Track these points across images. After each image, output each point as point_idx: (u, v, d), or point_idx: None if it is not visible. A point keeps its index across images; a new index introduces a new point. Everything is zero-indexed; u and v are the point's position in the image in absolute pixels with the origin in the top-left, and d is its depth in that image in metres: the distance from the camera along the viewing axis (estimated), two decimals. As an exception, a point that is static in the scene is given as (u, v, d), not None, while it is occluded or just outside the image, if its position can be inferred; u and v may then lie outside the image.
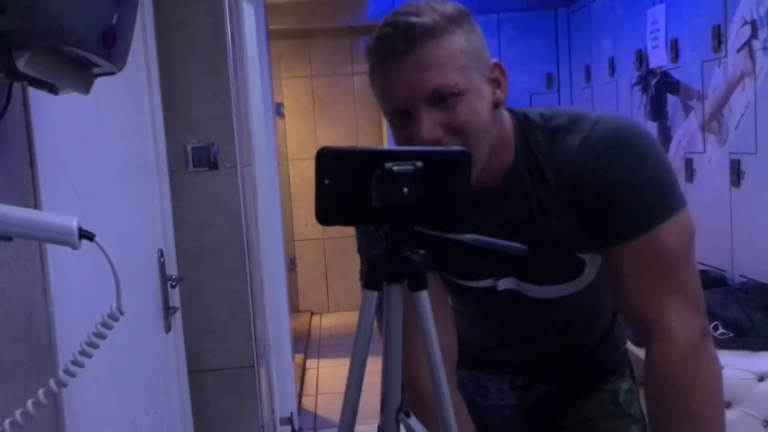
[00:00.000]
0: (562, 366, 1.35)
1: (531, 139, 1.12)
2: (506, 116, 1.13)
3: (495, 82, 1.08)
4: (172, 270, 2.05)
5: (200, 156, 2.27)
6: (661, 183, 1.06)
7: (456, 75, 1.01)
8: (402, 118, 1.05)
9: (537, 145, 1.12)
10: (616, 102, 4.36)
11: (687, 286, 1.06)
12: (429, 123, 1.01)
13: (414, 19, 1.01)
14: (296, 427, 3.45)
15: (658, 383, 1.06)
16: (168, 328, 1.98)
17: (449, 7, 1.04)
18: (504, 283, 1.22)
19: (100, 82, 1.03)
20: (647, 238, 1.06)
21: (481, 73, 1.05)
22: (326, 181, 0.88)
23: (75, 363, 0.86)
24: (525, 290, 1.22)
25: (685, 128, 3.51)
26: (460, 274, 1.25)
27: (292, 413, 3.39)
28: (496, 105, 1.08)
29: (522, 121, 1.13)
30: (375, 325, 0.94)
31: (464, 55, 1.03)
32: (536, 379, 1.37)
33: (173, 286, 2.00)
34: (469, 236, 0.99)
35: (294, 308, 5.67)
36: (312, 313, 5.96)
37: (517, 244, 0.98)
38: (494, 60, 1.09)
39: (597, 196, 1.08)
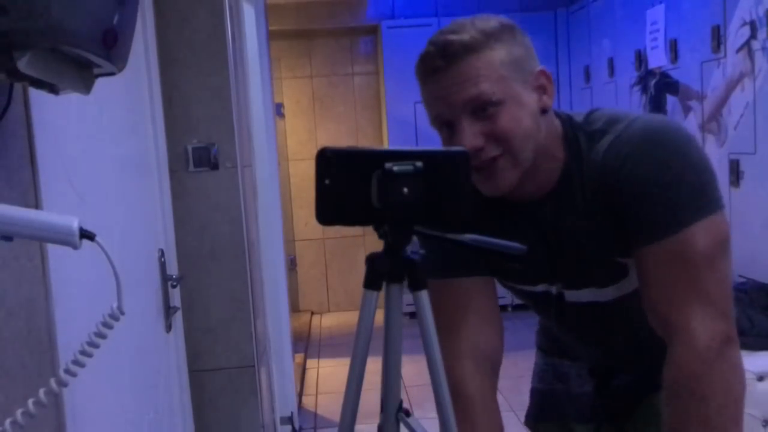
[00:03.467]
0: (638, 362, 1.34)
1: (577, 144, 1.14)
2: (556, 122, 1.15)
3: (541, 89, 1.11)
4: (173, 270, 2.05)
5: (201, 156, 2.27)
6: (689, 185, 1.05)
7: (494, 85, 1.05)
8: (448, 131, 1.10)
9: (581, 150, 1.13)
10: (616, 102, 4.36)
11: (712, 291, 1.04)
12: (470, 132, 1.06)
13: (452, 37, 1.06)
14: (296, 427, 3.45)
15: (675, 386, 1.05)
16: (168, 327, 1.98)
17: (492, 23, 1.09)
18: (557, 288, 1.24)
19: (100, 83, 1.03)
20: (672, 241, 1.04)
21: (523, 82, 1.09)
22: (326, 181, 0.88)
23: (76, 362, 0.86)
24: (575, 296, 1.22)
25: (685, 128, 3.51)
26: (517, 279, 1.27)
27: (292, 413, 3.39)
28: (543, 111, 1.11)
29: (568, 126, 1.15)
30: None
31: (504, 66, 1.07)
32: (613, 371, 1.38)
33: (174, 286, 2.00)
34: (468, 236, 0.99)
35: (294, 308, 5.67)
36: (312, 313, 5.96)
37: (516, 244, 0.98)
38: (541, 67, 1.12)
39: (624, 197, 1.08)
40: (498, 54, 1.06)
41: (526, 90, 1.09)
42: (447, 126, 1.09)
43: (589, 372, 1.40)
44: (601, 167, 1.09)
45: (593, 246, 1.14)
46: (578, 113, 1.17)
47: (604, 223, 1.12)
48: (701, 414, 1.02)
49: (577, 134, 1.14)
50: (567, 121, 1.16)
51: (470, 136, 1.05)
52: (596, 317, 1.25)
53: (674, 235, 1.04)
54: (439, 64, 1.06)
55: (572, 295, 1.23)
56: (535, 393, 1.51)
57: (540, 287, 1.25)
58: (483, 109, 1.06)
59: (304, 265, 6.00)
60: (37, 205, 1.10)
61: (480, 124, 1.06)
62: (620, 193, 1.08)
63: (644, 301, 1.11)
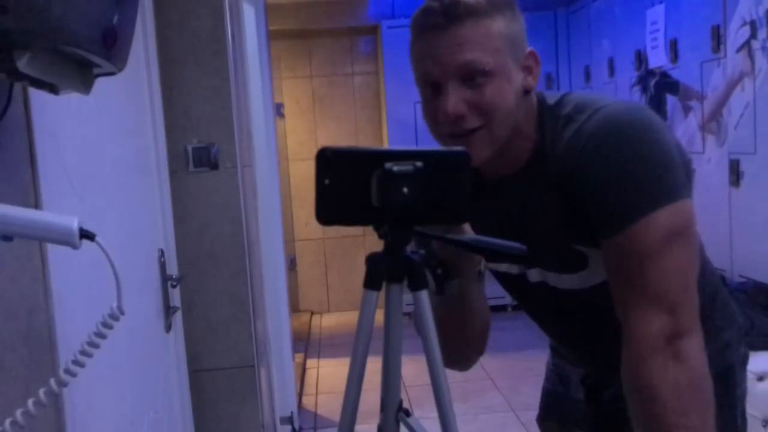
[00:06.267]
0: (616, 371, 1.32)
1: (544, 126, 1.13)
2: (533, 102, 1.14)
3: (527, 69, 1.11)
4: (173, 270, 2.05)
5: (200, 156, 2.27)
6: (639, 177, 1.03)
7: (488, 55, 1.05)
8: (432, 91, 1.08)
9: (547, 133, 1.12)
10: (616, 102, 4.35)
11: (657, 286, 1.02)
12: (455, 98, 1.05)
13: None
14: (296, 427, 3.45)
15: (626, 386, 1.05)
16: (168, 327, 1.98)
17: None
18: (533, 274, 1.22)
19: (100, 83, 1.03)
20: (621, 236, 1.04)
21: (514, 59, 1.08)
22: (326, 181, 0.88)
23: (76, 362, 0.86)
24: (548, 279, 1.21)
25: (685, 128, 3.51)
26: (487, 258, 1.23)
27: (292, 413, 3.39)
28: (526, 91, 1.11)
29: (541, 107, 1.14)
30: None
31: (501, 38, 1.06)
32: (607, 379, 1.33)
33: (174, 286, 2.00)
34: (468, 236, 0.99)
35: (294, 308, 5.67)
36: (312, 313, 5.96)
37: (516, 245, 0.98)
38: (530, 48, 1.12)
39: (581, 191, 1.07)
40: (498, 25, 1.06)
41: (515, 67, 1.08)
42: (432, 87, 1.08)
43: (580, 381, 1.38)
44: (562, 158, 1.09)
45: (551, 230, 1.14)
46: (552, 95, 1.16)
47: (564, 209, 1.11)
48: (651, 413, 1.00)
49: (546, 117, 1.13)
50: (541, 102, 1.14)
51: (454, 102, 1.05)
52: (561, 304, 1.23)
53: (625, 229, 1.03)
54: (439, 22, 1.04)
55: (534, 275, 1.22)
56: (543, 391, 1.51)
57: (504, 267, 1.25)
58: (472, 77, 1.05)
59: (304, 265, 6.00)
60: (37, 205, 1.10)
61: (466, 92, 1.05)
62: (579, 186, 1.07)
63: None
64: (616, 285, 1.07)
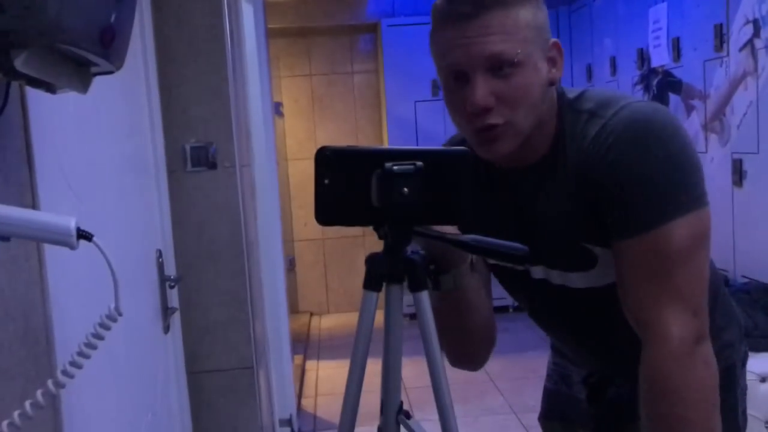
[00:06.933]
0: (620, 368, 1.29)
1: (565, 120, 1.12)
2: (554, 96, 1.13)
3: (552, 61, 1.10)
4: (171, 270, 2.04)
5: (199, 156, 2.26)
6: (668, 181, 1.03)
7: (518, 45, 1.03)
8: (456, 82, 1.06)
9: (567, 128, 1.12)
10: (617, 101, 4.35)
11: (685, 288, 1.04)
12: (483, 89, 1.03)
13: None
14: (295, 429, 3.45)
15: (647, 385, 1.05)
16: (166, 328, 1.97)
17: None
18: (536, 271, 1.22)
19: (98, 82, 1.02)
20: (649, 237, 1.04)
21: (541, 49, 1.07)
22: (326, 181, 0.87)
23: (73, 364, 0.85)
24: (551, 277, 1.20)
25: (687, 128, 3.51)
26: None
27: (291, 414, 3.38)
28: (551, 83, 1.10)
29: (561, 101, 1.13)
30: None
31: (529, 28, 1.05)
32: (607, 379, 1.34)
33: (172, 287, 1.99)
34: (469, 236, 0.98)
35: (293, 309, 5.67)
36: (311, 314, 5.95)
37: (518, 245, 0.98)
38: (554, 39, 1.10)
39: (602, 190, 1.07)
40: (526, 14, 1.04)
41: (541, 58, 1.07)
42: (457, 78, 1.06)
43: (582, 381, 1.38)
44: (586, 154, 1.08)
45: (563, 227, 1.13)
46: (572, 90, 1.15)
47: (579, 206, 1.11)
48: (676, 414, 1.01)
49: (567, 111, 1.12)
50: (561, 96, 1.14)
51: (483, 94, 1.03)
52: (564, 303, 1.23)
53: (651, 231, 1.03)
54: (468, 11, 1.02)
55: (539, 272, 1.21)
56: (545, 391, 1.50)
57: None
58: (500, 67, 1.03)
59: (304, 265, 6.00)
60: (34, 205, 1.09)
61: (494, 82, 1.04)
62: (601, 184, 1.07)
63: (621, 297, 1.10)
64: (637, 284, 1.06)
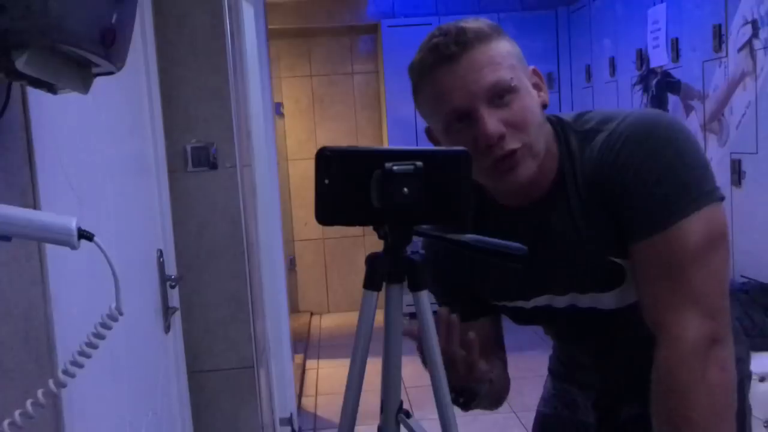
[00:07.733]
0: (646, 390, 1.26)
1: (570, 144, 1.13)
2: (547, 124, 1.14)
3: (536, 86, 1.12)
4: (172, 270, 2.05)
5: (199, 156, 2.26)
6: (678, 178, 1.03)
7: (509, 72, 1.06)
8: (460, 122, 1.07)
9: (573, 150, 1.12)
10: (617, 102, 4.35)
11: (700, 290, 1.02)
12: (492, 119, 1.04)
13: (464, 25, 1.06)
14: (296, 428, 3.45)
15: (661, 388, 1.04)
16: (167, 328, 1.97)
17: (486, 21, 1.10)
18: (560, 301, 1.20)
19: (99, 82, 1.02)
20: (661, 237, 1.03)
21: (526, 76, 1.10)
22: (326, 181, 0.87)
23: (74, 363, 0.85)
24: (579, 302, 1.19)
25: (686, 128, 3.51)
26: (518, 295, 1.23)
27: (291, 414, 3.38)
28: (544, 106, 1.12)
29: (558, 127, 1.14)
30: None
31: (511, 56, 1.08)
32: (621, 401, 1.32)
33: (172, 287, 1.99)
34: (469, 236, 0.99)
35: (294, 308, 5.67)
36: (312, 314, 5.95)
37: (516, 244, 0.98)
38: (531, 66, 1.13)
39: (617, 192, 1.07)
40: (505, 45, 1.08)
41: (529, 84, 1.10)
42: (460, 119, 1.06)
43: (592, 405, 1.36)
44: (597, 164, 1.09)
45: (589, 246, 1.12)
46: (566, 114, 1.16)
47: (600, 221, 1.10)
48: (688, 417, 1.00)
49: (569, 135, 1.13)
50: (557, 122, 1.15)
51: (493, 124, 1.03)
52: (595, 326, 1.22)
53: (663, 231, 1.03)
54: (454, 51, 1.04)
55: (561, 302, 1.20)
56: (538, 416, 1.49)
57: (541, 300, 1.22)
58: (501, 96, 1.05)
59: (304, 265, 6.00)
60: (35, 205, 1.09)
61: (498, 113, 1.05)
62: (613, 188, 1.07)
63: (639, 300, 1.10)
64: (652, 286, 1.06)
